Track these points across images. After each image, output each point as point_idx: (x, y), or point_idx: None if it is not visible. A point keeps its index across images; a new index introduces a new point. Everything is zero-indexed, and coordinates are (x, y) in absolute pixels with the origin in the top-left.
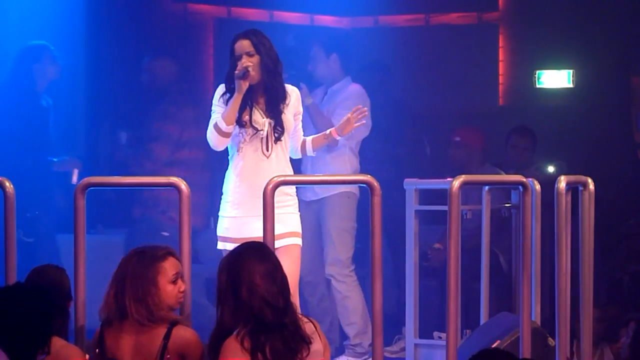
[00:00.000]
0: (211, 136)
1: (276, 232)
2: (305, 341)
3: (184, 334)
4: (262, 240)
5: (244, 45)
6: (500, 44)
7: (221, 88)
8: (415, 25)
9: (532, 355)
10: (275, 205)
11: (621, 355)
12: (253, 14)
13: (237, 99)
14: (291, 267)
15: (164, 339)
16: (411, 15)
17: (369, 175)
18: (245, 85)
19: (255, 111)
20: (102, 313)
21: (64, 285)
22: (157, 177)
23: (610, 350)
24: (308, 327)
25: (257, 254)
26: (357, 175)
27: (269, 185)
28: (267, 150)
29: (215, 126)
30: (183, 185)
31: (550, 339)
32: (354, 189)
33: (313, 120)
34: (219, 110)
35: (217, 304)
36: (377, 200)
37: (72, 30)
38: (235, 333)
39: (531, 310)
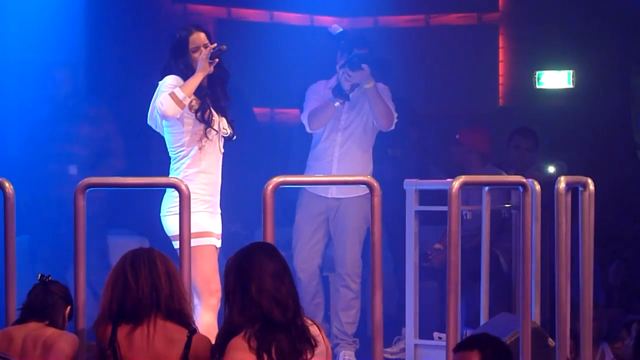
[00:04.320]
0: (165, 103)
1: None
2: (310, 343)
3: (204, 343)
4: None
5: (202, 37)
6: (500, 44)
7: (173, 78)
8: (415, 26)
9: (532, 356)
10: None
11: (624, 356)
12: (253, 15)
13: (199, 77)
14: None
15: (185, 347)
16: (411, 16)
17: (369, 176)
18: (210, 69)
19: (215, 115)
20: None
21: None
22: (157, 177)
23: (610, 350)
24: (313, 329)
25: (266, 254)
26: (357, 176)
27: (269, 185)
28: (222, 148)
29: (172, 95)
30: (183, 186)
31: (550, 339)
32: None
33: (371, 104)
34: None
35: (224, 303)
36: (377, 200)
37: (72, 30)
38: (242, 333)
39: (531, 311)
